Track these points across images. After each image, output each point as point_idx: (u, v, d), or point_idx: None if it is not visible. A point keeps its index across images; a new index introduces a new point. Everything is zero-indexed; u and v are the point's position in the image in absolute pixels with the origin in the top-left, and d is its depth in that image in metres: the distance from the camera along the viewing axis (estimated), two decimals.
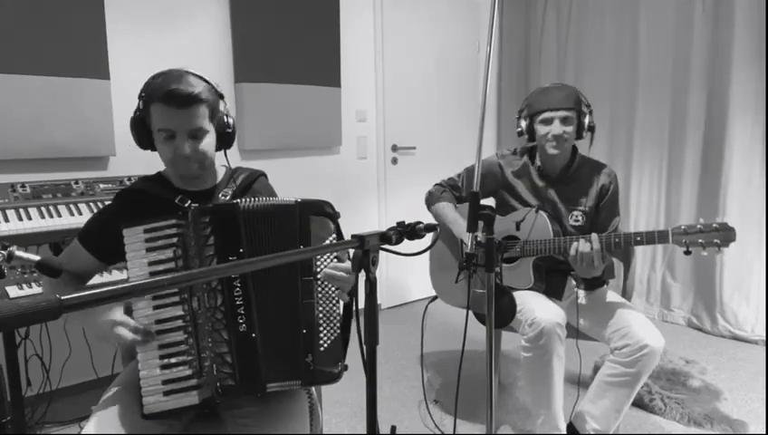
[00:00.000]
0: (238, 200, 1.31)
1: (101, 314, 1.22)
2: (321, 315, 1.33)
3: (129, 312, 1.25)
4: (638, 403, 2.42)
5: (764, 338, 3.14)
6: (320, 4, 3.25)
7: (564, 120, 1.97)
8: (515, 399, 2.55)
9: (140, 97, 1.33)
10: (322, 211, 1.34)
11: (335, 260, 1.34)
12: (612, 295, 2.10)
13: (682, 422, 2.33)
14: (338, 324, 1.34)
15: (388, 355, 3.07)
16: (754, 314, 3.21)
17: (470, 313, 1.51)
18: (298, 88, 3.19)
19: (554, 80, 3.82)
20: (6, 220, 1.96)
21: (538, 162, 2.11)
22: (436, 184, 2.27)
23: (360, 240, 1.00)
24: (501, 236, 2.07)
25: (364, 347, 1.08)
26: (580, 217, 2.07)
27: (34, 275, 1.89)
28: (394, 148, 3.82)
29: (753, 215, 3.18)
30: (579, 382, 2.17)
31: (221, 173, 1.50)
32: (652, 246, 3.55)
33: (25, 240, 1.94)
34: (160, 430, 1.31)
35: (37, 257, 1.25)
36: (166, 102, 1.27)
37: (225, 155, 1.46)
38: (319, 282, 1.32)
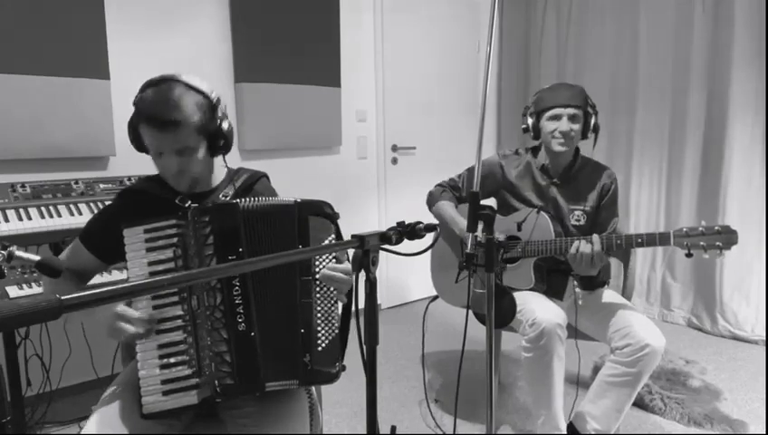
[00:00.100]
0: (238, 200, 1.31)
1: (102, 310, 1.22)
2: (319, 315, 1.33)
3: (130, 302, 1.25)
4: (639, 403, 2.42)
5: (764, 338, 3.14)
6: (320, 4, 3.24)
7: (572, 118, 1.98)
8: (515, 399, 2.55)
9: (134, 104, 1.33)
10: (321, 211, 1.34)
11: (333, 261, 1.34)
12: (613, 295, 2.10)
13: (682, 422, 2.33)
14: (336, 325, 1.34)
15: (388, 355, 3.07)
16: (754, 314, 3.21)
17: (470, 313, 1.51)
18: (298, 88, 3.19)
19: (554, 80, 3.82)
20: (6, 220, 1.96)
21: (541, 161, 2.11)
22: (437, 185, 2.28)
23: (359, 240, 1.00)
24: (502, 237, 2.07)
25: (364, 347, 1.08)
26: (581, 217, 2.07)
27: (34, 275, 1.89)
28: (394, 148, 3.82)
29: (754, 215, 3.18)
30: (578, 382, 2.17)
31: (222, 174, 1.50)
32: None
33: (25, 240, 1.94)
34: (160, 430, 1.31)
35: (37, 257, 1.25)
36: (149, 124, 1.27)
37: (224, 157, 1.45)
38: (317, 282, 1.32)
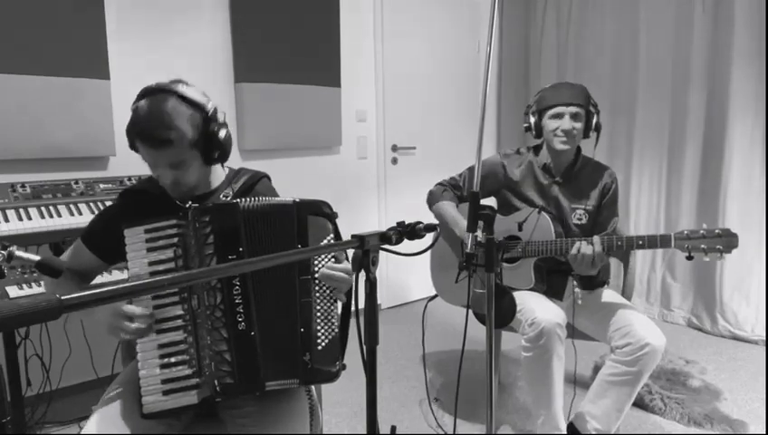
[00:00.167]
0: (238, 200, 1.32)
1: (102, 308, 1.22)
2: (318, 314, 1.33)
3: (130, 302, 1.25)
4: (639, 403, 2.42)
5: (764, 338, 3.14)
6: (320, 4, 3.24)
7: (574, 116, 1.99)
8: (515, 399, 2.55)
9: (131, 110, 1.32)
10: (320, 211, 1.35)
11: (332, 260, 1.34)
12: (612, 295, 2.10)
13: (682, 422, 2.33)
14: (336, 324, 1.35)
15: (388, 355, 3.07)
16: (754, 314, 3.21)
17: (470, 312, 1.51)
18: (298, 88, 3.19)
19: (554, 80, 3.81)
20: (6, 220, 1.96)
21: (543, 160, 2.11)
22: (438, 183, 2.28)
23: (359, 240, 1.00)
24: (502, 237, 2.07)
25: (364, 347, 1.08)
26: (583, 216, 2.07)
27: (34, 275, 1.89)
28: (394, 148, 3.82)
29: (754, 216, 3.18)
30: (575, 381, 2.17)
31: (223, 175, 1.50)
32: None
33: (25, 240, 1.94)
34: (160, 430, 1.31)
35: (37, 257, 1.25)
36: (142, 142, 1.27)
37: (222, 165, 1.45)
38: (317, 281, 1.32)
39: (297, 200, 1.33)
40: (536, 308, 1.88)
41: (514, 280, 2.03)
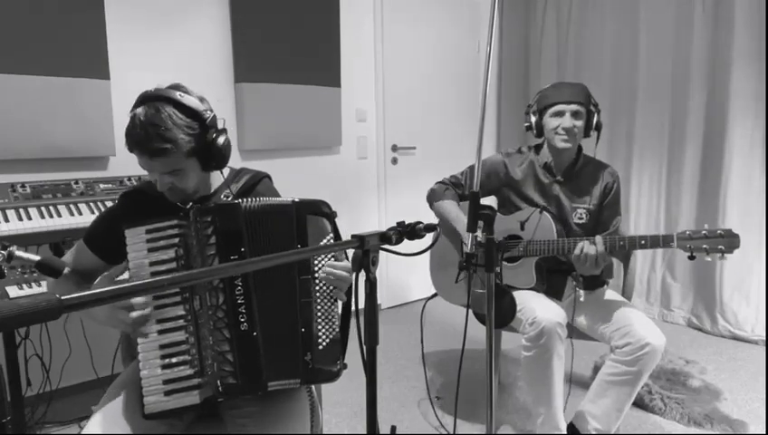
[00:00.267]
0: (240, 200, 1.32)
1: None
2: (319, 314, 1.33)
3: None
4: (639, 403, 2.42)
5: (764, 338, 3.14)
6: (320, 4, 3.24)
7: (575, 115, 1.99)
8: (515, 399, 2.55)
9: (129, 115, 1.31)
10: (319, 211, 1.35)
11: (332, 259, 1.34)
12: (612, 295, 2.10)
13: (682, 422, 2.33)
14: (336, 323, 1.35)
15: (388, 355, 3.07)
16: (754, 314, 3.21)
17: (470, 312, 1.51)
18: (298, 88, 3.19)
19: (554, 80, 3.82)
20: (6, 220, 1.96)
21: (544, 159, 2.11)
22: (439, 182, 2.27)
23: (359, 240, 1.00)
24: (503, 236, 2.07)
25: (364, 347, 1.08)
26: (584, 216, 2.07)
27: (34, 275, 1.89)
28: (394, 148, 3.82)
29: (754, 216, 3.18)
30: (570, 380, 2.17)
31: (225, 174, 1.50)
32: None
33: (25, 240, 1.94)
34: (162, 430, 1.31)
35: (37, 257, 1.25)
36: (138, 151, 1.27)
37: (221, 171, 1.45)
38: (317, 281, 1.33)
39: (296, 200, 1.34)
40: (537, 307, 1.88)
41: (516, 279, 2.03)
